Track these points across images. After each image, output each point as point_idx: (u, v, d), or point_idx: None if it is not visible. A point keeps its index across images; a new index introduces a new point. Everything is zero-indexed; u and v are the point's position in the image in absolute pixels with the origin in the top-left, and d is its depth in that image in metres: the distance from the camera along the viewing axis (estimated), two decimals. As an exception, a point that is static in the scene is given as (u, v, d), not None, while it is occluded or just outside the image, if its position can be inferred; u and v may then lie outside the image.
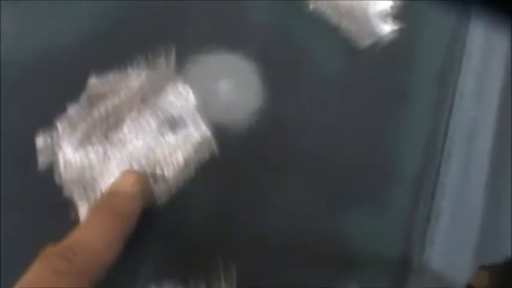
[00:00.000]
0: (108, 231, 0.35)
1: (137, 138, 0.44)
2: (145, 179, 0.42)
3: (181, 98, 0.45)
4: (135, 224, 0.38)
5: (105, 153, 0.43)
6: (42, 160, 0.43)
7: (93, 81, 0.45)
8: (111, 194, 0.39)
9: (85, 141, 0.44)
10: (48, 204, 0.43)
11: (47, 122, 0.44)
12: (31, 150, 0.43)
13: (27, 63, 0.46)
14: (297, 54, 0.47)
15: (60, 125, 0.44)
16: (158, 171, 0.43)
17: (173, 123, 0.44)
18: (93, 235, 0.35)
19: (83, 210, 0.42)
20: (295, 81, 0.46)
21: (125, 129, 0.44)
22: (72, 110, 0.44)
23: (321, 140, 0.44)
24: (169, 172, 0.43)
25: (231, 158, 0.44)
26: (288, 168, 0.43)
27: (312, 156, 0.44)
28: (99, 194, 0.42)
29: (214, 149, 0.44)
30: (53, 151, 0.44)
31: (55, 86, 0.45)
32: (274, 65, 0.46)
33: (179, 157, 0.43)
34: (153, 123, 0.44)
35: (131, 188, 0.39)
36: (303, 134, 0.45)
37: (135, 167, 0.43)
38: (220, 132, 0.44)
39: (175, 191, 0.43)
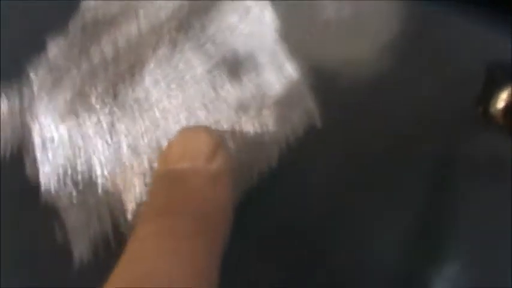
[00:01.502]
0: (195, 254, 0.19)
1: (169, 97, 0.24)
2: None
3: (250, 18, 0.24)
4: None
5: (111, 124, 0.24)
6: (5, 138, 0.24)
7: (91, -1, 0.25)
8: (183, 176, 0.20)
9: (77, 104, 0.24)
10: (15, 211, 0.25)
11: (13, 71, 0.25)
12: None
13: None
14: None
15: (34, 77, 0.25)
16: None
17: (235, 67, 0.24)
18: (171, 264, 0.18)
19: (74, 223, 0.23)
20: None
21: (147, 80, 0.24)
22: (55, 47, 0.25)
23: None
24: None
25: (344, 133, 0.23)
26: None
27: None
28: (101, 195, 0.23)
29: (315, 117, 0.23)
30: (22, 123, 0.24)
31: (25, 8, 0.26)
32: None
33: (246, 136, 0.23)
34: (200, 67, 0.24)
35: (215, 163, 0.20)
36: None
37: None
38: (327, 84, 0.23)
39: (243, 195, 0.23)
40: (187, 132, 0.22)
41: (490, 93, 0.25)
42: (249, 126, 0.23)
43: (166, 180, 0.21)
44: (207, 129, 0.22)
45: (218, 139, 0.21)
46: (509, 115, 0.25)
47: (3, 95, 0.25)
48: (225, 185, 0.20)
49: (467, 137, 0.25)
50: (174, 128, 0.23)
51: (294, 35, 0.24)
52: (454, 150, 0.24)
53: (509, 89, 0.25)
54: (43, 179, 0.24)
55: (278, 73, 0.24)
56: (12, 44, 0.25)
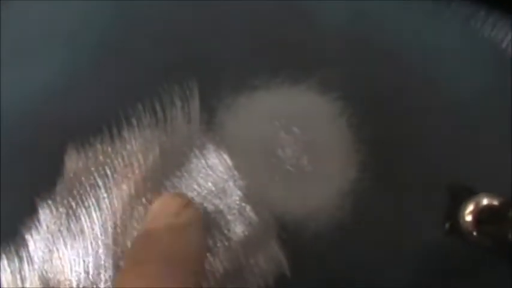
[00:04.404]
0: None
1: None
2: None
3: (216, 176, 0.26)
4: None
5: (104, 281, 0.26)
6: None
7: (73, 158, 0.28)
8: (156, 233, 0.24)
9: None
10: None
11: (10, 231, 0.27)
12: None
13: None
14: (415, 74, 0.27)
15: (29, 237, 0.27)
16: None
17: (206, 224, 0.26)
18: None
19: None
20: (414, 128, 0.26)
21: (129, 241, 0.26)
22: (45, 208, 0.27)
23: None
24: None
25: (315, 283, 0.25)
26: None
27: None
28: None
29: (283, 267, 0.25)
30: (23, 281, 0.27)
31: (15, 171, 0.28)
32: (377, 103, 0.26)
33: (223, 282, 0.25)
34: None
35: (182, 218, 0.25)
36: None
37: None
38: (292, 235, 0.25)
39: None
40: (160, 198, 0.26)
41: (456, 209, 0.27)
42: (223, 276, 0.25)
43: (144, 238, 0.25)
44: (176, 193, 0.27)
45: (186, 198, 0.26)
46: (478, 226, 0.26)
47: (3, 256, 0.27)
48: (193, 234, 0.24)
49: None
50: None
51: (258, 189, 0.26)
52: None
53: (473, 201, 0.26)
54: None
55: (246, 226, 0.26)
56: (7, 206, 0.28)
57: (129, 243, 0.26)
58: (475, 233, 0.26)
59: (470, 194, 0.27)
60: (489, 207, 0.26)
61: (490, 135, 0.27)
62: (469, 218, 0.26)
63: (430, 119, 0.27)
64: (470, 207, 0.26)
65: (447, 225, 0.27)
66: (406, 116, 0.26)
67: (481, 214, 0.26)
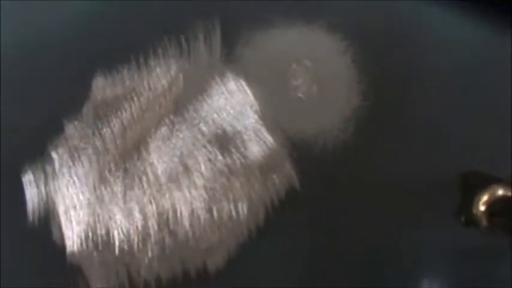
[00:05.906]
0: None
1: (171, 169, 0.28)
2: None
3: (234, 100, 0.29)
4: None
5: (123, 193, 0.28)
6: (32, 208, 0.29)
7: (100, 83, 0.30)
8: None
9: (94, 176, 0.29)
10: (43, 274, 0.28)
11: (36, 149, 0.29)
12: (15, 192, 0.29)
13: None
14: (410, 26, 0.31)
15: (55, 154, 0.29)
16: (204, 225, 0.27)
17: (225, 142, 0.29)
18: None
19: (95, 279, 0.27)
20: (407, 67, 0.30)
21: (152, 155, 0.29)
22: (72, 128, 0.30)
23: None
24: (223, 224, 0.27)
25: (320, 193, 0.28)
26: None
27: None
28: (118, 254, 0.28)
29: (293, 181, 0.28)
30: (47, 195, 0.29)
31: (44, 93, 0.30)
32: (376, 43, 0.30)
33: (238, 198, 0.28)
34: (194, 144, 0.29)
35: None
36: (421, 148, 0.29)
37: (169, 216, 0.28)
38: (301, 153, 0.28)
39: (236, 253, 0.27)
40: None
41: (470, 199, 0.27)
42: (239, 189, 0.28)
43: None
44: None
45: None
46: (492, 215, 0.27)
47: (28, 171, 0.29)
48: None
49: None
50: (176, 195, 0.28)
51: (272, 112, 0.29)
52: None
53: (488, 192, 0.27)
54: (68, 242, 0.28)
55: (260, 145, 0.29)
56: (35, 126, 0.30)
57: (152, 159, 0.29)
58: (488, 223, 0.27)
59: (484, 182, 0.27)
60: (503, 198, 0.26)
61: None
62: (483, 207, 0.27)
63: (429, 62, 0.30)
64: (485, 197, 0.27)
65: (463, 218, 0.28)
66: (405, 57, 0.30)
67: (495, 204, 0.26)
